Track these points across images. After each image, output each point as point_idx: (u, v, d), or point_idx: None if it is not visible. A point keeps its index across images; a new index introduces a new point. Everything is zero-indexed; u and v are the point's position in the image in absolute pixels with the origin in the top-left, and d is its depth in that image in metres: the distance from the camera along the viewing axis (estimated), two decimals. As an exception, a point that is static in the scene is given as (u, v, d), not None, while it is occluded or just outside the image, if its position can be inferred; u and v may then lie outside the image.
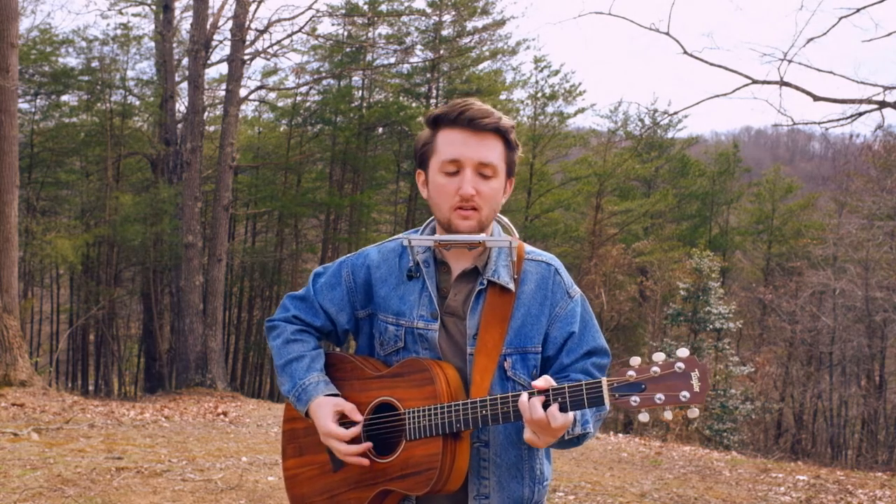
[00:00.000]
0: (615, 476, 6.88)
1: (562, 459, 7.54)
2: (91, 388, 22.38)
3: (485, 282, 1.83)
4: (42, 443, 7.09)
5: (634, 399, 1.60)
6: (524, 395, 1.65)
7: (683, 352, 1.60)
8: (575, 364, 1.85)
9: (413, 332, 1.85)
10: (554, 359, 1.86)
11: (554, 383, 1.66)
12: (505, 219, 1.92)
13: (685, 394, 1.57)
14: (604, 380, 1.62)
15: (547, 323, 1.85)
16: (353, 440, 1.81)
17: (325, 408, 1.82)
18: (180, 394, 14.49)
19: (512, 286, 1.83)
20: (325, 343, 2.04)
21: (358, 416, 1.82)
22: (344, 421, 1.82)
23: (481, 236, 1.78)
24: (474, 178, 1.78)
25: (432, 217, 1.95)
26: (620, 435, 11.07)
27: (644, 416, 1.61)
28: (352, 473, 1.85)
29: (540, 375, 1.85)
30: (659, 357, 1.61)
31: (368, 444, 1.80)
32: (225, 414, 10.53)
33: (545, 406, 1.64)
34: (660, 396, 1.59)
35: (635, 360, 1.63)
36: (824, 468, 8.81)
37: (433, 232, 1.92)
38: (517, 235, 1.91)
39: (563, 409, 1.63)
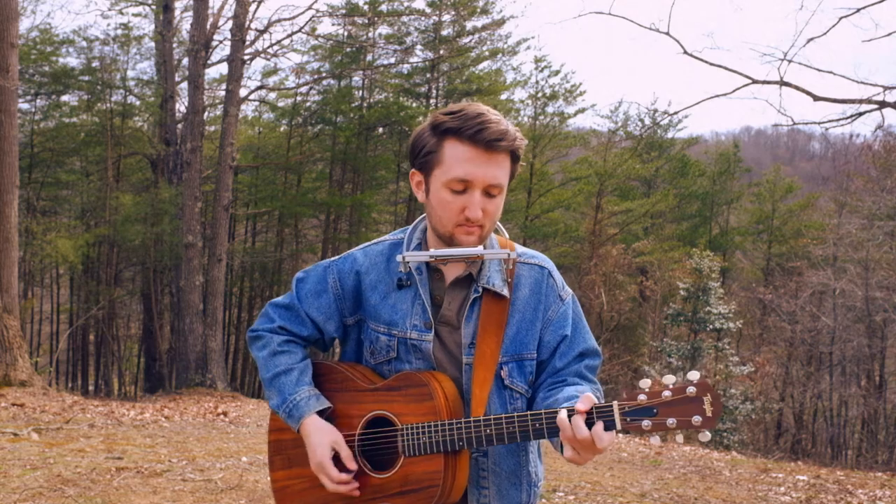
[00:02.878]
0: (615, 476, 6.88)
1: (562, 459, 7.52)
2: (91, 388, 22.38)
3: (480, 289, 1.78)
4: (42, 443, 7.09)
5: (646, 423, 1.57)
6: (563, 413, 1.59)
7: (695, 375, 1.58)
8: (568, 367, 1.81)
9: (406, 343, 1.79)
10: (547, 362, 1.82)
11: (596, 401, 1.60)
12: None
13: (697, 418, 1.56)
14: (615, 403, 1.59)
15: (541, 327, 1.81)
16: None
17: (322, 437, 1.77)
18: (180, 394, 14.49)
19: (507, 292, 1.78)
20: (310, 350, 1.97)
21: (352, 465, 1.77)
22: (336, 461, 1.79)
23: (479, 249, 1.71)
24: (482, 199, 1.70)
25: (422, 217, 1.88)
26: (620, 435, 11.07)
27: (655, 440, 1.60)
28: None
29: (535, 380, 1.83)
30: (670, 380, 1.58)
31: (356, 485, 1.78)
32: (225, 414, 10.53)
33: (588, 425, 1.58)
34: (671, 421, 1.57)
35: (645, 383, 1.60)
36: (824, 468, 8.81)
37: (424, 234, 1.85)
38: (506, 235, 1.87)
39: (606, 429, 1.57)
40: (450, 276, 1.81)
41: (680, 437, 1.59)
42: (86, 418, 9.00)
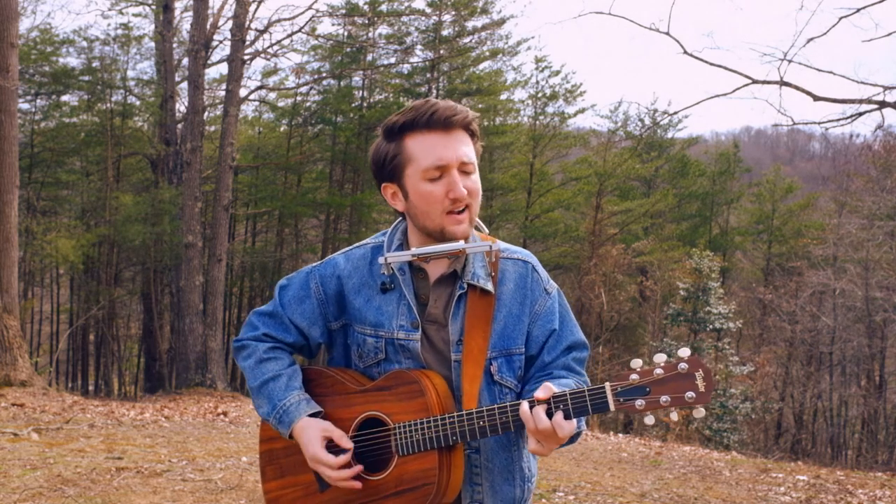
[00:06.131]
0: (615, 476, 6.88)
1: (562, 459, 7.54)
2: (91, 388, 22.38)
3: (465, 286, 1.77)
4: (42, 443, 7.09)
5: (639, 402, 1.57)
6: (525, 406, 1.60)
7: (685, 352, 1.57)
8: (556, 360, 1.81)
9: (394, 343, 1.78)
10: (535, 357, 1.82)
11: (556, 389, 1.62)
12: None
13: (690, 394, 1.55)
14: (607, 384, 1.59)
15: (528, 322, 1.81)
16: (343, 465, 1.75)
17: (312, 431, 1.75)
18: (180, 394, 14.50)
19: (491, 287, 1.78)
20: (298, 357, 1.95)
21: (347, 444, 1.74)
22: (332, 447, 1.75)
23: (461, 244, 1.72)
24: (460, 178, 1.72)
25: (399, 219, 1.88)
26: (620, 435, 11.07)
27: (650, 419, 1.59)
28: (341, 493, 1.78)
29: (524, 374, 1.83)
30: (661, 358, 1.58)
31: (360, 468, 1.73)
32: (225, 414, 10.53)
33: (548, 415, 1.60)
34: (665, 398, 1.56)
35: (637, 363, 1.60)
36: (824, 468, 8.81)
37: (404, 235, 1.85)
38: (486, 230, 1.87)
39: (567, 417, 1.59)
40: (434, 275, 1.81)
41: (674, 415, 1.59)
42: (86, 418, 9.00)
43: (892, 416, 21.24)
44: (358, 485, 1.74)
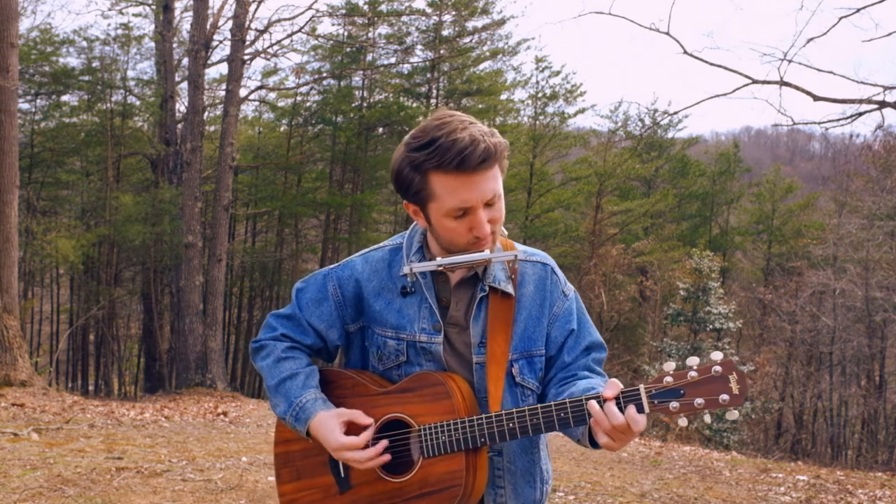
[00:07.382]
0: (615, 476, 6.88)
1: (562, 459, 7.54)
2: (91, 388, 22.38)
3: (486, 288, 1.78)
4: (42, 443, 7.09)
5: (674, 404, 1.59)
6: (594, 404, 1.59)
7: (718, 355, 1.60)
8: (577, 361, 1.82)
9: (416, 346, 1.78)
10: (555, 358, 1.83)
11: (621, 385, 1.62)
12: None
13: (724, 396, 1.58)
14: (642, 386, 1.60)
15: (547, 324, 1.82)
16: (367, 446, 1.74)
17: (329, 421, 1.74)
18: (180, 394, 14.50)
19: (512, 290, 1.79)
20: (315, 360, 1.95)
21: (366, 420, 1.74)
22: (353, 431, 1.75)
23: (486, 254, 1.71)
24: (485, 213, 1.69)
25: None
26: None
27: (683, 421, 1.61)
28: (362, 495, 1.77)
29: (544, 376, 1.83)
30: (694, 361, 1.60)
31: (385, 443, 1.73)
32: (225, 414, 10.53)
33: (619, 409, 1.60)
34: (699, 401, 1.58)
35: (670, 366, 1.62)
36: (824, 468, 8.80)
37: (424, 237, 1.84)
38: (505, 233, 1.86)
39: (639, 411, 1.59)
40: (455, 278, 1.81)
41: (707, 417, 1.61)
42: (86, 418, 9.00)
43: (892, 416, 21.24)
44: (386, 458, 1.73)
